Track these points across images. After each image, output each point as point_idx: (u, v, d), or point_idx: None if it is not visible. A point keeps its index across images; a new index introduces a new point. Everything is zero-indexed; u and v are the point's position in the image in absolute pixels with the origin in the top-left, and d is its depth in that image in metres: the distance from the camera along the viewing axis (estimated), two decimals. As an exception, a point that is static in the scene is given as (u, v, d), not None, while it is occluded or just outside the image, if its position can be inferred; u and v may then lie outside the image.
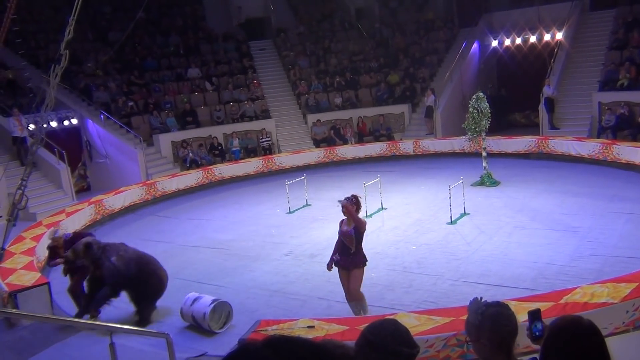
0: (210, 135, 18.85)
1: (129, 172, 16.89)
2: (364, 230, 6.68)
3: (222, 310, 6.99)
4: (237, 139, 18.83)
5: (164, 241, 11.37)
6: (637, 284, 5.81)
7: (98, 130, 17.49)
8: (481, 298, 2.35)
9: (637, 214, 9.90)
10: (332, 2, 25.95)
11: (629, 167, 13.16)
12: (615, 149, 13.69)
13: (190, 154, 17.70)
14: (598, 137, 15.84)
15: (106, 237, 12.18)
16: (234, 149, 18.62)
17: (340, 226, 6.77)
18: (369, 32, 23.82)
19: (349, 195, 6.73)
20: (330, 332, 5.51)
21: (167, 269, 9.60)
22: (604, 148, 13.93)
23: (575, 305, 5.55)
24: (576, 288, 5.99)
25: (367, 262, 6.81)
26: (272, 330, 5.63)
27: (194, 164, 17.40)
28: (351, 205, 6.55)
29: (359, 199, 6.77)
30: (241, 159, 18.05)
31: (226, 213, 13.14)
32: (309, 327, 5.68)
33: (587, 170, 13.67)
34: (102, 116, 17.68)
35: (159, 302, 8.04)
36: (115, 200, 13.82)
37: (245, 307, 7.55)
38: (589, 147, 14.33)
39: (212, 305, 6.76)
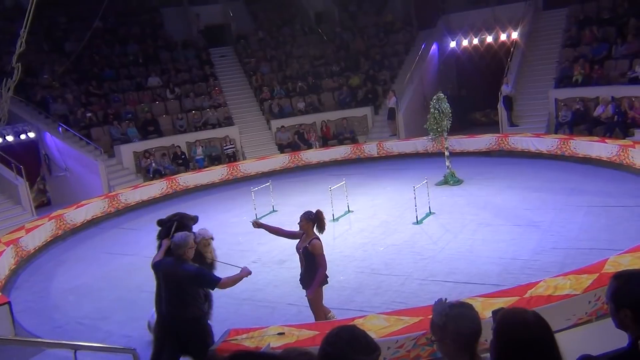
0: (173, 144, 18.62)
1: (90, 184, 16.54)
2: (318, 254, 6.09)
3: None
4: (200, 147, 18.65)
5: (129, 254, 11.18)
6: (598, 274, 5.97)
7: (56, 143, 17.08)
8: (445, 299, 2.37)
9: (595, 206, 10.19)
10: (292, 7, 25.97)
11: (586, 161, 13.53)
12: (572, 143, 14.06)
13: (153, 164, 17.44)
14: (555, 132, 16.24)
15: (68, 253, 11.97)
16: (197, 157, 18.44)
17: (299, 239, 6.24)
18: (329, 36, 23.93)
19: (310, 211, 6.28)
20: (301, 338, 5.49)
21: (134, 281, 9.49)
22: (562, 143, 14.29)
23: (540, 299, 5.66)
24: (540, 281, 6.11)
25: (325, 283, 6.27)
26: (242, 339, 5.58)
27: (157, 174, 17.15)
28: (307, 222, 6.09)
29: (321, 215, 6.25)
30: (205, 167, 17.88)
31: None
32: (280, 334, 5.64)
33: (547, 165, 14.00)
34: (60, 128, 17.29)
35: (126, 316, 7.91)
36: (77, 214, 13.50)
37: (214, 316, 7.41)
38: (547, 143, 14.68)
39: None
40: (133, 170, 17.81)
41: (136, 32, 22.68)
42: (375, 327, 5.52)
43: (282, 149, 19.32)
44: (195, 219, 6.57)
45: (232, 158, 18.72)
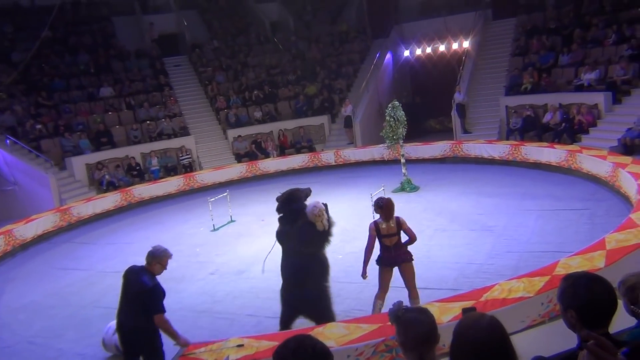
0: (127, 155, 18.25)
1: (41, 198, 16.02)
2: (407, 227, 6.61)
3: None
4: (155, 158, 18.35)
5: (82, 268, 10.86)
6: (550, 277, 6.15)
7: (4, 156, 16.50)
8: (402, 302, 2.40)
9: (546, 210, 10.50)
10: (247, 16, 25.94)
11: (536, 166, 13.93)
12: (523, 149, 14.46)
13: (107, 176, 17.03)
14: (507, 139, 16.69)
15: (17, 269, 11.55)
16: (152, 168, 18.13)
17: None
18: (284, 45, 23.98)
19: (380, 198, 6.74)
20: (260, 349, 5.45)
21: (87, 297, 9.23)
22: (513, 149, 14.69)
23: (495, 302, 5.79)
24: (495, 285, 6.25)
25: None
26: (200, 352, 5.50)
27: (111, 186, 16.75)
28: (378, 209, 6.59)
29: (389, 204, 6.58)
30: (161, 178, 17.59)
31: (148, 235, 12.73)
32: (239, 345, 5.59)
33: (499, 171, 14.35)
34: (8, 141, 16.69)
35: (79, 334, 7.69)
36: (27, 230, 13.04)
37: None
38: (499, 149, 15.06)
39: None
40: (85, 183, 17.35)
41: (87, 42, 22.15)
42: (335, 336, 5.52)
43: (239, 158, 19.19)
44: (307, 192, 7.00)
45: (189, 168, 18.47)
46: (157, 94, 20.84)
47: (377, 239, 6.59)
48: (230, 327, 7.38)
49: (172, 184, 16.71)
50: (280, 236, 6.60)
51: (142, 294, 5.26)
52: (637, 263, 6.44)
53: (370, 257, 6.64)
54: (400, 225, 6.54)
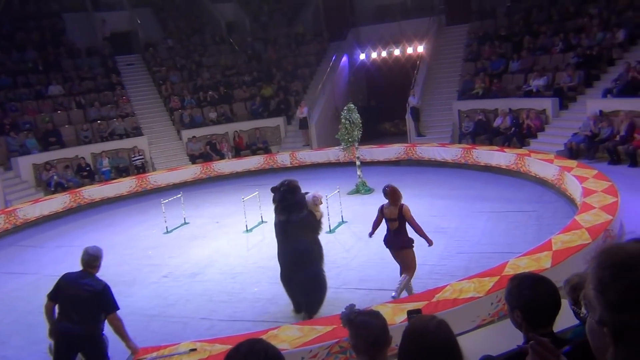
0: (77, 155, 17.76)
1: (-16, 199, 15.42)
2: (409, 217, 7.03)
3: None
4: (107, 159, 17.92)
5: (29, 272, 10.49)
6: (499, 277, 6.31)
7: (-55, 156, 15.83)
8: (354, 306, 2.43)
9: (496, 212, 10.78)
10: (202, 16, 25.66)
11: (487, 169, 14.28)
12: (475, 153, 14.81)
13: (55, 177, 16.51)
14: (459, 142, 17.07)
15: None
16: (103, 169, 17.70)
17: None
18: (240, 46, 23.82)
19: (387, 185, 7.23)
20: (213, 353, 5.39)
21: (34, 302, 8.89)
22: (465, 152, 15.02)
23: (446, 302, 5.90)
24: (446, 286, 6.37)
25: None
26: (152, 358, 5.39)
27: (59, 187, 16.24)
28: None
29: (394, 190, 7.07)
30: (112, 179, 17.18)
31: (98, 237, 12.37)
32: (192, 350, 5.51)
33: (452, 173, 14.64)
34: (-51, 140, 16.02)
35: (25, 341, 7.43)
36: (-31, 232, 12.54)
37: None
38: (452, 152, 15.38)
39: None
40: (32, 184, 16.78)
41: (35, 38, 21.45)
42: (289, 338, 5.52)
43: (193, 159, 18.94)
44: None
45: (141, 169, 18.11)
46: (109, 93, 20.35)
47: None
48: (183, 331, 7.27)
49: (124, 185, 16.34)
50: (285, 225, 7.03)
51: (95, 297, 5.16)
52: (582, 263, 6.68)
53: (374, 231, 7.41)
54: (402, 213, 6.94)
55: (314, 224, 7.21)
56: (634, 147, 12.56)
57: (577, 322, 3.21)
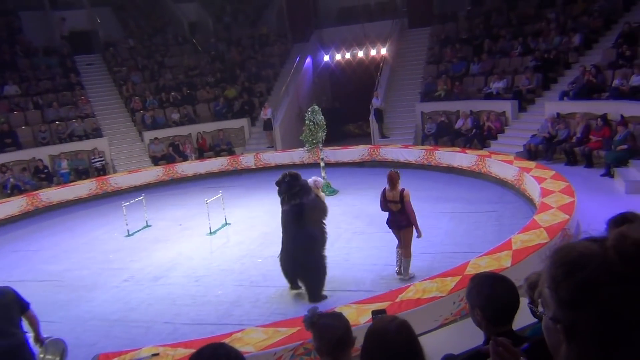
0: (34, 157, 17.29)
1: (-64, 203, 14.85)
2: (407, 201, 7.71)
3: (55, 350, 6.36)
4: (65, 161, 17.50)
5: (-18, 278, 10.15)
6: (461, 276, 6.41)
7: None
8: (316, 308, 2.43)
9: (458, 213, 10.95)
10: (164, 15, 25.32)
11: (449, 170, 14.50)
12: (437, 154, 15.01)
13: (11, 179, 16.03)
14: (422, 144, 17.27)
15: None
16: (62, 171, 17.26)
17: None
18: (203, 46, 23.60)
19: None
20: (176, 358, 5.32)
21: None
22: (428, 154, 15.21)
23: (410, 302, 5.96)
24: (410, 286, 6.44)
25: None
26: (113, 363, 5.29)
27: (16, 190, 15.78)
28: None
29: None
30: (71, 181, 16.79)
31: (57, 241, 12.12)
32: (154, 354, 5.42)
33: (415, 174, 14.76)
34: None
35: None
36: None
37: (82, 341, 6.99)
38: (415, 154, 15.55)
39: (43, 345, 6.15)
40: (-13, 187, 16.27)
41: (-11, 36, 20.82)
42: (253, 341, 5.49)
43: (156, 161, 18.66)
44: None
45: (102, 171, 17.74)
46: (68, 94, 19.88)
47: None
48: (145, 335, 7.14)
49: (83, 187, 16.00)
50: (300, 207, 7.56)
51: (8, 302, 4.90)
52: (540, 262, 6.84)
53: (384, 210, 7.94)
54: (402, 197, 7.57)
55: (323, 205, 7.86)
56: (589, 149, 12.93)
57: (535, 319, 3.29)
